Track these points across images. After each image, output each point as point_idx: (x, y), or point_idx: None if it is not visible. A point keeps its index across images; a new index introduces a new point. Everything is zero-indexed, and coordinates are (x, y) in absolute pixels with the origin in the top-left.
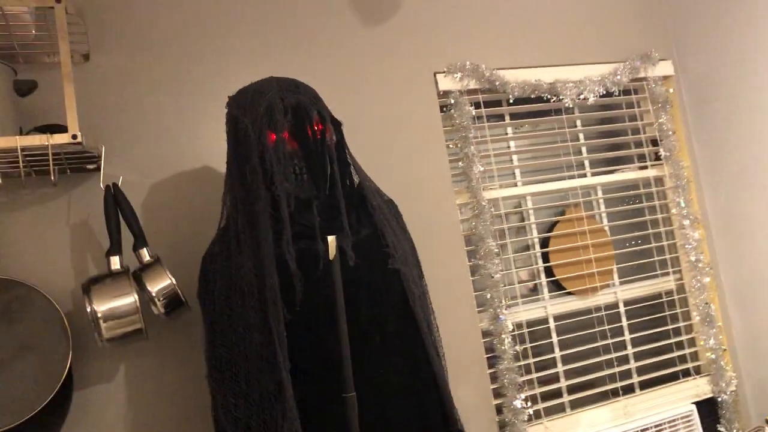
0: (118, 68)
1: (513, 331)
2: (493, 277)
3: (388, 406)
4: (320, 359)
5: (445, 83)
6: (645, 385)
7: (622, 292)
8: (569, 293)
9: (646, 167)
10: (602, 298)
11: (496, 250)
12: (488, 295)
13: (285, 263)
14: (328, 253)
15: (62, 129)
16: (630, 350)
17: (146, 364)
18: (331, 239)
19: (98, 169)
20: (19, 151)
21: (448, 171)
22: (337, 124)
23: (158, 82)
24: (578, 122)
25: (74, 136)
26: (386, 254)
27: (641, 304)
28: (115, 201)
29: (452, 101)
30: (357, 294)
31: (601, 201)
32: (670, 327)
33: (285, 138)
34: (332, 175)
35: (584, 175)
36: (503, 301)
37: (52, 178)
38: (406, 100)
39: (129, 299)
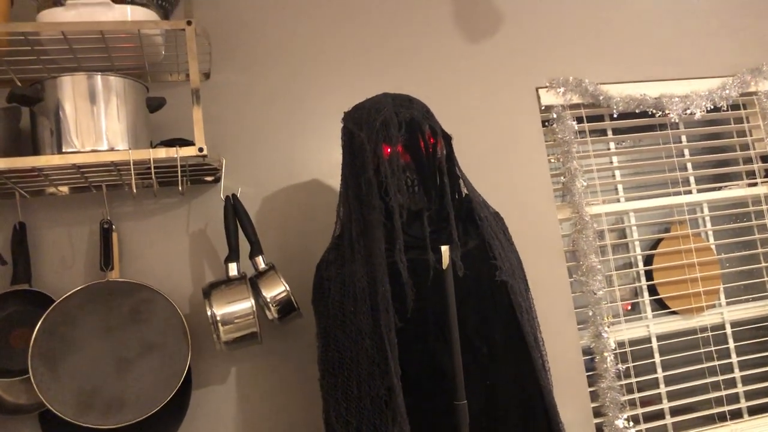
0: (236, 85)
1: (615, 349)
2: (595, 293)
3: (494, 418)
4: (429, 368)
5: (548, 98)
6: (754, 411)
7: (729, 313)
8: (673, 312)
9: (755, 184)
10: (708, 318)
11: (599, 267)
12: (590, 312)
13: (397, 272)
14: (441, 262)
15: (186, 142)
16: (737, 373)
17: (258, 367)
18: (445, 249)
19: (216, 180)
20: (152, 163)
21: (550, 185)
22: (447, 138)
23: (272, 99)
24: (683, 137)
25: (200, 149)
26: (493, 266)
27: (750, 326)
28: (234, 211)
29: (554, 116)
30: (464, 305)
31: (707, 218)
32: None
33: (399, 151)
34: (442, 187)
35: (690, 192)
36: (605, 318)
37: (180, 188)
38: (509, 115)
39: (246, 304)
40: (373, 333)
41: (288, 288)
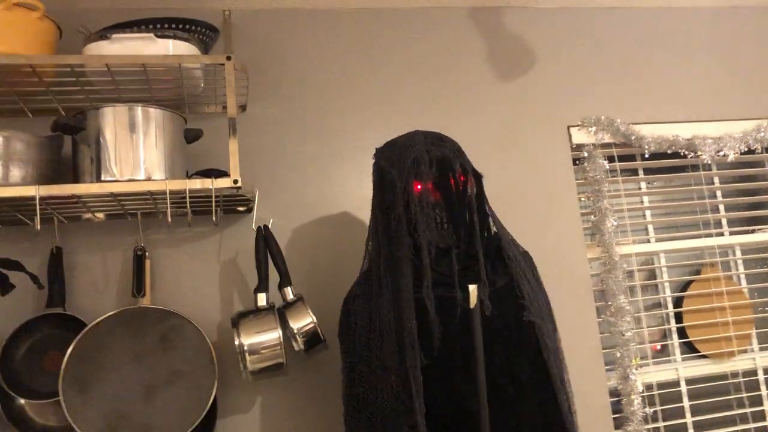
0: (271, 118)
1: (643, 391)
2: (624, 335)
3: None
4: (454, 407)
5: (579, 137)
6: None
7: (762, 359)
8: (703, 356)
9: None
10: (740, 363)
11: (628, 307)
12: (618, 354)
13: (424, 309)
14: (469, 301)
15: (221, 173)
16: None
17: (282, 398)
18: (473, 288)
19: (249, 210)
20: (187, 193)
21: (580, 224)
22: (477, 177)
23: (305, 132)
24: (716, 179)
25: (235, 181)
26: (521, 306)
27: None
28: (265, 242)
29: (585, 154)
30: (491, 344)
31: (740, 262)
32: None
33: (429, 189)
34: (471, 225)
35: (721, 234)
36: (634, 360)
37: (214, 218)
38: (540, 153)
39: (273, 334)
40: (398, 370)
41: (315, 320)
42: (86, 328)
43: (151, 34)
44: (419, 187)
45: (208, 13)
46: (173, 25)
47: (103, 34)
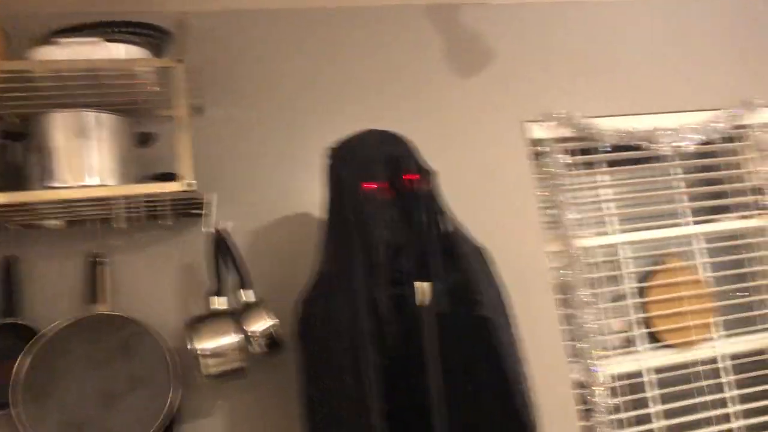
0: (230, 120)
1: (608, 382)
2: (584, 327)
3: None
4: (414, 405)
5: (537, 132)
6: None
7: (723, 347)
8: (667, 346)
9: (748, 217)
10: (703, 352)
11: (589, 300)
12: (580, 346)
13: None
14: (419, 298)
15: (177, 177)
16: (731, 408)
17: (244, 401)
18: (421, 285)
19: (207, 214)
20: (137, 197)
21: (538, 219)
22: (430, 175)
23: (265, 133)
24: (677, 170)
25: (188, 185)
26: (475, 301)
27: (746, 360)
28: (221, 244)
29: (544, 149)
30: (447, 340)
31: (702, 251)
32: None
33: (381, 188)
34: (423, 223)
35: (683, 224)
36: (595, 351)
37: (169, 222)
38: (498, 149)
39: (230, 338)
40: (353, 370)
41: (274, 322)
42: (37, 336)
43: (101, 39)
44: (370, 186)
45: (168, 16)
46: (124, 29)
47: (52, 39)
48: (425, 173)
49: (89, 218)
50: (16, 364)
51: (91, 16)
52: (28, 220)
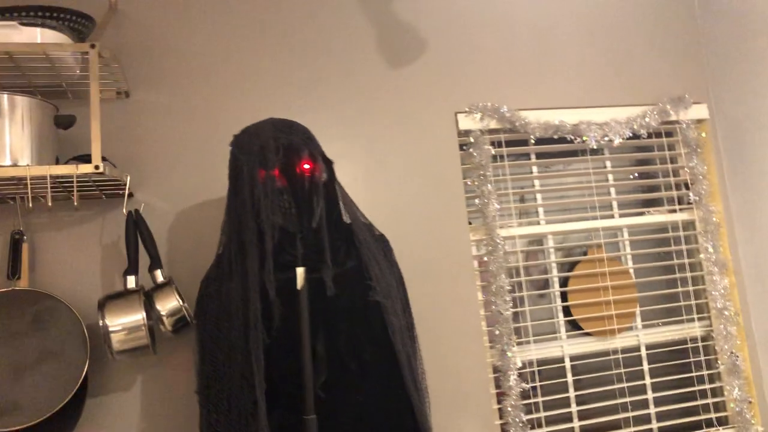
0: (155, 104)
1: (523, 368)
2: (502, 313)
3: (364, 431)
4: (297, 383)
5: (466, 123)
6: None
7: (645, 336)
8: (588, 334)
9: (675, 210)
10: (624, 341)
11: (509, 288)
12: (496, 332)
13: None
14: (303, 283)
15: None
16: (650, 395)
17: (155, 377)
18: (300, 270)
19: (130, 195)
20: (48, 178)
21: (463, 207)
22: (328, 163)
23: (189, 117)
24: (608, 163)
25: (96, 167)
26: (368, 286)
27: (665, 349)
28: (136, 225)
29: (472, 140)
30: (336, 322)
31: (627, 243)
32: (694, 374)
33: (275, 175)
34: (319, 210)
35: (611, 217)
36: (511, 338)
37: (75, 203)
38: (428, 139)
39: (137, 316)
40: (243, 349)
41: (182, 302)
42: None
43: (15, 23)
44: (264, 173)
45: (94, 1)
46: (41, 14)
47: None
48: (321, 162)
49: (11, 197)
50: None
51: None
52: None
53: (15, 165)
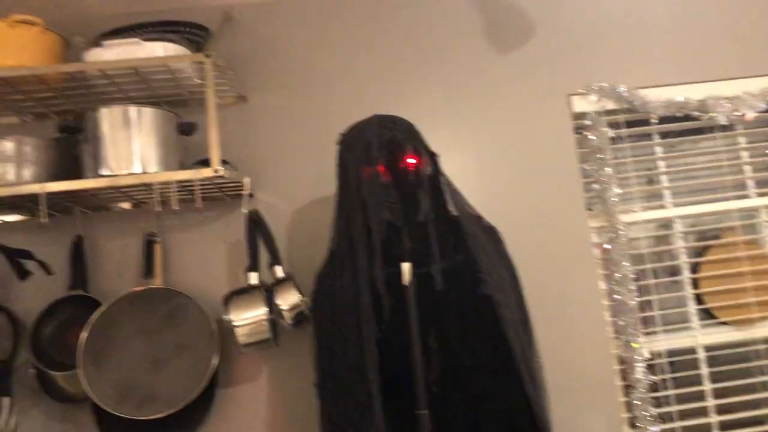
0: (271, 107)
1: (651, 359)
2: (627, 303)
3: (480, 425)
4: (410, 377)
5: (581, 105)
6: None
7: None
8: (723, 323)
9: None
10: (762, 330)
11: (633, 276)
12: (621, 322)
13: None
14: (411, 278)
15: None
16: None
17: (278, 369)
18: (406, 266)
19: (251, 195)
20: (173, 182)
21: (581, 193)
22: (432, 156)
23: (304, 119)
24: (741, 140)
25: (216, 170)
26: (478, 280)
27: None
28: (256, 224)
29: (588, 122)
30: (447, 317)
31: (766, 224)
32: None
33: (380, 171)
34: (425, 204)
35: (746, 197)
36: (637, 328)
37: (198, 204)
38: (541, 123)
39: (260, 311)
40: (356, 343)
41: (302, 296)
42: (100, 308)
43: (138, 39)
44: (370, 169)
45: (212, 11)
46: (161, 28)
47: (98, 41)
48: (426, 156)
49: (145, 201)
50: (83, 331)
51: (145, 15)
52: (93, 203)
53: (144, 173)
